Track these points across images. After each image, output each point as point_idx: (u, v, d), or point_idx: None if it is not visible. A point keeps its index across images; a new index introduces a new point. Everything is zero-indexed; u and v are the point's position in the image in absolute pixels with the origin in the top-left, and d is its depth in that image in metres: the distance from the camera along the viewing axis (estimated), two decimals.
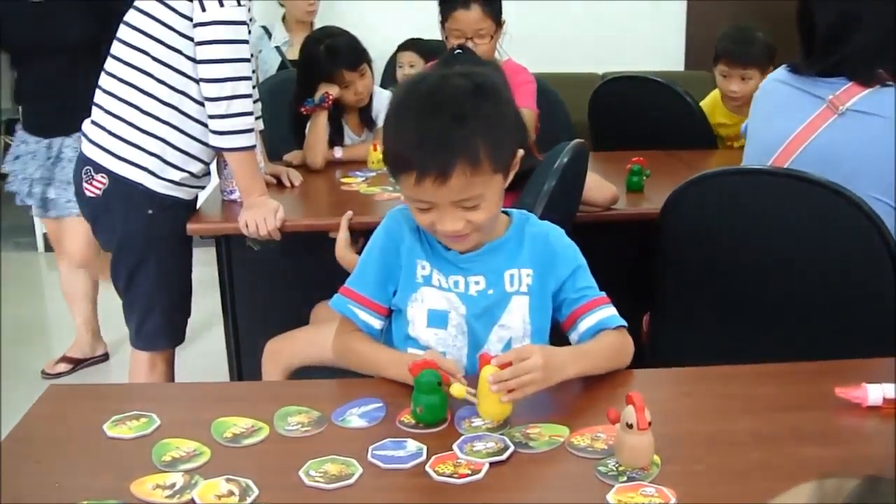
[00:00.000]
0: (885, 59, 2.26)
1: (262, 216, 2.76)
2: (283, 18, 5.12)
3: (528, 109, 3.36)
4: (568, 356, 1.67)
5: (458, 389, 1.56)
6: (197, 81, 2.74)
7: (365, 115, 3.66)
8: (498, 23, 3.45)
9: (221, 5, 2.67)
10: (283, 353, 2.62)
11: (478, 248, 1.75)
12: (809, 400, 1.68)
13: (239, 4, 2.70)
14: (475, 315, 1.74)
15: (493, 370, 1.54)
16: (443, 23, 3.44)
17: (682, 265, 2.40)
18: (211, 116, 2.73)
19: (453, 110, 1.60)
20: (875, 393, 1.62)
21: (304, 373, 2.56)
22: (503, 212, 1.80)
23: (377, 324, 1.82)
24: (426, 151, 1.59)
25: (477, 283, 1.76)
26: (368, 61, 3.59)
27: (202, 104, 2.75)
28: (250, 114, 2.75)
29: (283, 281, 3.02)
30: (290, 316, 2.80)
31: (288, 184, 3.22)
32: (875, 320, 2.11)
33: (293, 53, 4.97)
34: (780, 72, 2.47)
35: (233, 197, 3.00)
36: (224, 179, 3.04)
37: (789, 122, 2.36)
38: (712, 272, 2.34)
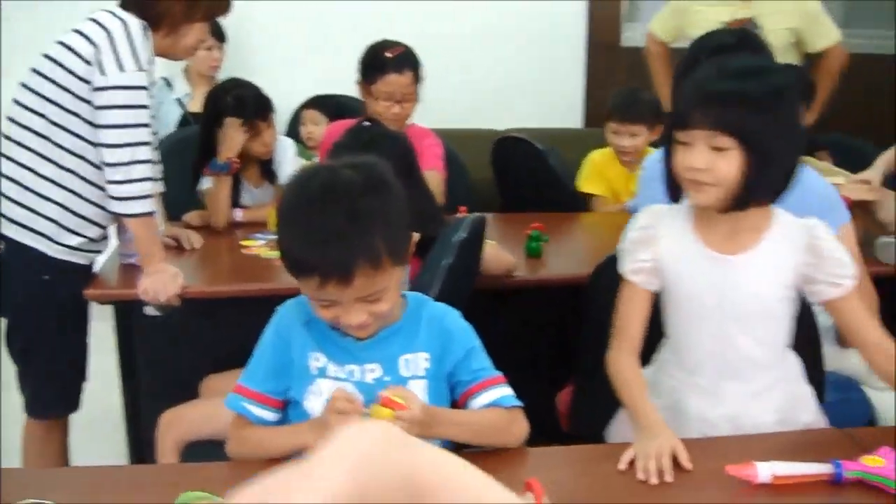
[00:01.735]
0: None
1: (162, 282, 2.74)
2: (185, 70, 5.08)
3: (434, 172, 3.41)
4: (448, 420, 1.73)
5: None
6: (95, 146, 2.71)
7: (266, 167, 3.65)
8: (419, 86, 3.50)
9: (122, 70, 2.65)
10: (177, 426, 2.59)
11: (374, 334, 1.76)
12: (702, 477, 1.73)
13: (140, 69, 2.68)
14: (373, 402, 1.76)
15: (377, 409, 1.64)
16: (367, 84, 3.47)
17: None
18: (109, 182, 2.70)
19: (348, 209, 1.60)
20: (764, 470, 1.68)
21: (199, 445, 2.53)
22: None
23: (271, 417, 1.82)
24: (326, 255, 1.59)
25: (372, 370, 1.77)
26: (274, 111, 3.59)
27: (100, 168, 2.72)
28: (150, 179, 2.74)
29: (183, 347, 2.98)
30: (190, 382, 2.78)
31: (188, 246, 3.19)
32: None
33: (194, 106, 4.94)
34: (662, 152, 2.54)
35: (132, 261, 2.96)
36: (123, 243, 3.01)
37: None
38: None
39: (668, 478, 1.71)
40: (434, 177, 3.46)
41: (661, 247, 2.03)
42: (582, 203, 3.99)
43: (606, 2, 5.66)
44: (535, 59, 5.63)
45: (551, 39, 5.63)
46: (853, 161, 3.78)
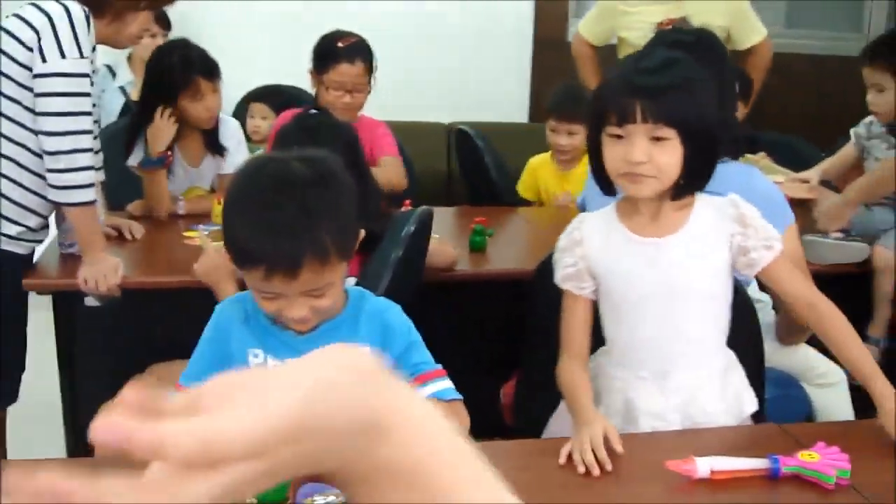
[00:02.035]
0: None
1: (102, 273, 2.71)
2: (129, 58, 5.02)
3: (392, 157, 3.44)
4: None
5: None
6: (36, 134, 2.67)
7: (210, 139, 3.55)
8: (371, 77, 3.51)
9: (63, 57, 2.61)
10: None
11: (314, 328, 1.75)
12: (642, 472, 1.75)
13: (82, 56, 2.65)
14: None
15: None
16: (319, 73, 3.48)
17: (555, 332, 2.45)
18: (50, 170, 2.66)
19: (299, 202, 1.60)
20: (703, 465, 1.70)
21: None
22: None
23: None
24: (274, 247, 1.59)
25: None
26: (220, 77, 3.50)
27: (41, 157, 2.68)
28: (91, 168, 2.70)
29: (124, 337, 2.95)
30: (134, 372, 2.74)
31: (129, 236, 3.15)
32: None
33: (137, 94, 4.88)
34: None
35: (72, 250, 2.92)
36: (63, 232, 2.97)
37: None
38: None
39: (608, 467, 1.73)
40: (393, 162, 3.52)
41: (586, 247, 2.03)
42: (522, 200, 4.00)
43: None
44: (483, 54, 5.66)
45: (499, 35, 5.67)
46: (789, 160, 3.85)
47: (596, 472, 1.72)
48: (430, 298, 2.59)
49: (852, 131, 3.60)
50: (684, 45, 2.38)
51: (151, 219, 3.39)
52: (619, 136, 1.88)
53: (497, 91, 5.72)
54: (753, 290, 2.43)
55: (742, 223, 1.95)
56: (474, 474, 0.61)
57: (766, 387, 2.34)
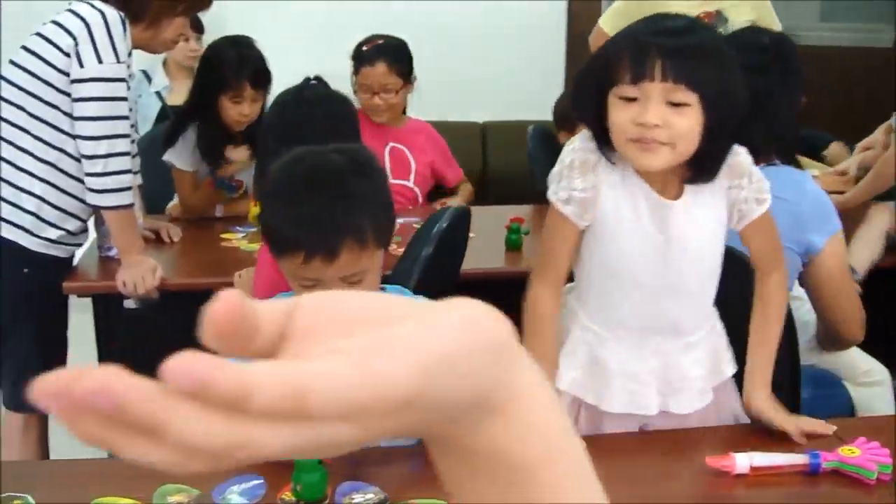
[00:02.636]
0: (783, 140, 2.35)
1: (140, 275, 2.73)
2: (164, 63, 5.06)
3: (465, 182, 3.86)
4: None
5: None
6: (74, 138, 2.70)
7: (248, 134, 3.42)
8: (406, 79, 3.56)
9: (100, 62, 2.65)
10: None
11: None
12: (681, 469, 1.74)
13: (118, 61, 2.68)
14: None
15: None
16: (355, 76, 3.59)
17: None
18: (88, 174, 2.69)
19: (336, 188, 1.64)
20: (743, 461, 1.69)
21: None
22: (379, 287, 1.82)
23: None
24: (314, 231, 1.62)
25: None
26: (268, 90, 3.42)
27: (80, 161, 2.71)
28: (128, 171, 2.73)
29: (163, 339, 2.97)
30: None
31: (167, 239, 3.18)
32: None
33: (174, 99, 4.92)
34: None
35: (111, 253, 2.95)
36: (101, 236, 3.00)
37: None
38: None
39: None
40: (468, 187, 3.91)
41: (600, 176, 1.82)
42: None
43: None
44: (516, 53, 5.64)
45: (532, 34, 5.65)
46: (818, 156, 3.81)
47: None
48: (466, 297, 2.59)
49: (892, 121, 3.58)
50: (760, 46, 2.36)
51: (189, 221, 3.41)
52: (629, 99, 1.69)
53: (530, 90, 5.70)
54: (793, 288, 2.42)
55: (738, 173, 1.82)
56: (581, 483, 0.55)
57: (805, 386, 2.33)
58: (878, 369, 2.79)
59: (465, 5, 5.48)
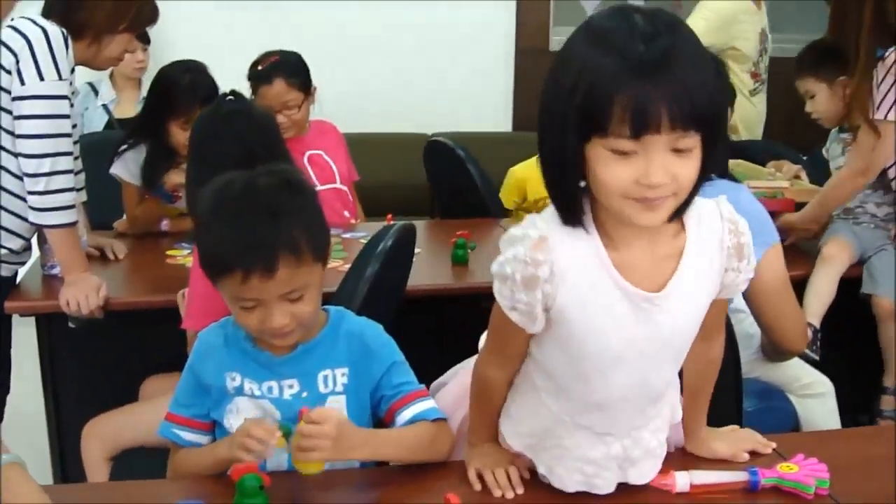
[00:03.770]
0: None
1: (84, 294, 2.70)
2: (111, 75, 5.02)
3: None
4: (363, 440, 1.70)
5: (282, 442, 1.63)
6: (16, 156, 2.67)
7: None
8: (306, 91, 3.54)
9: (42, 79, 2.62)
10: (103, 434, 2.57)
11: (292, 349, 1.77)
12: (620, 487, 1.75)
13: (60, 78, 2.65)
14: (291, 419, 1.75)
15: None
16: (254, 95, 3.55)
17: None
18: (30, 192, 2.67)
19: (269, 208, 1.66)
20: (683, 480, 1.70)
21: (132, 454, 2.52)
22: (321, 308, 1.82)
23: (203, 440, 1.83)
24: (249, 250, 1.62)
25: (291, 386, 1.77)
26: None
27: (21, 179, 2.68)
28: (71, 189, 2.71)
29: (109, 358, 2.95)
30: (116, 395, 2.74)
31: (112, 256, 3.16)
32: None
33: (121, 111, 4.89)
34: None
35: (54, 272, 2.92)
36: (45, 254, 2.97)
37: None
38: None
39: (520, 490, 1.70)
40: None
41: (556, 286, 1.52)
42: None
43: (535, 2, 5.71)
44: (465, 63, 5.66)
45: (481, 44, 5.67)
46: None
47: (510, 495, 1.69)
48: (412, 314, 2.60)
49: (824, 150, 3.67)
50: None
51: (135, 237, 3.38)
52: (623, 152, 1.39)
53: (479, 100, 5.73)
54: (737, 301, 2.44)
55: (740, 255, 1.61)
56: None
57: (749, 399, 2.35)
58: (820, 381, 2.82)
59: (412, 14, 5.48)
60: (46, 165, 2.64)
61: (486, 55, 5.70)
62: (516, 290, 1.53)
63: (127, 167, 3.41)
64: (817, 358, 3.05)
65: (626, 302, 1.53)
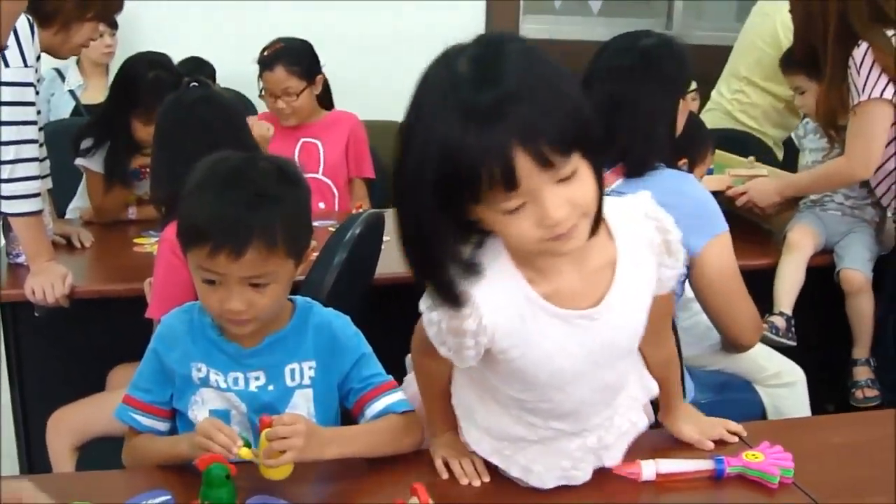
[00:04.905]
0: (655, 147, 2.30)
1: (50, 282, 2.68)
2: (78, 61, 4.97)
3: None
4: (333, 437, 1.69)
5: (245, 452, 1.58)
6: None
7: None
8: (308, 79, 3.56)
9: (6, 65, 2.59)
10: (69, 423, 2.55)
11: (260, 341, 1.75)
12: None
13: (25, 65, 2.63)
14: (256, 411, 1.74)
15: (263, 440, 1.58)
16: (259, 80, 3.64)
17: None
18: None
19: (256, 189, 1.64)
20: (649, 468, 1.71)
21: (99, 443, 2.50)
22: (288, 298, 1.80)
23: (161, 426, 1.81)
24: (225, 225, 1.60)
25: (257, 378, 1.75)
26: None
27: None
28: (36, 177, 2.68)
29: (75, 347, 2.93)
30: (83, 384, 2.72)
31: (78, 245, 3.13)
32: None
33: (88, 97, 4.84)
34: None
35: (19, 260, 2.89)
36: (9, 242, 2.94)
37: None
38: None
39: (486, 478, 1.71)
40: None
41: (488, 335, 1.49)
42: None
43: None
44: (435, 52, 5.63)
45: (451, 33, 5.63)
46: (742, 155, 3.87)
47: (477, 483, 1.70)
48: (383, 302, 2.59)
49: (792, 134, 3.68)
50: (627, 50, 2.32)
51: (102, 225, 3.36)
52: (514, 211, 1.34)
53: None
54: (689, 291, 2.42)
55: (668, 251, 1.59)
56: None
57: (704, 391, 2.36)
58: (790, 370, 2.82)
59: (383, 5, 5.47)
60: (11, 153, 2.62)
61: (455, 42, 5.69)
62: (442, 334, 1.51)
63: (91, 157, 3.41)
64: (794, 344, 3.08)
65: (564, 325, 1.51)
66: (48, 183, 3.07)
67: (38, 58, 2.74)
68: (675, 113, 2.33)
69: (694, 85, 2.75)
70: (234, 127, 2.47)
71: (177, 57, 3.68)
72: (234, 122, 2.49)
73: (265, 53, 3.64)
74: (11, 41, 2.60)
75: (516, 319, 1.49)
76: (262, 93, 3.66)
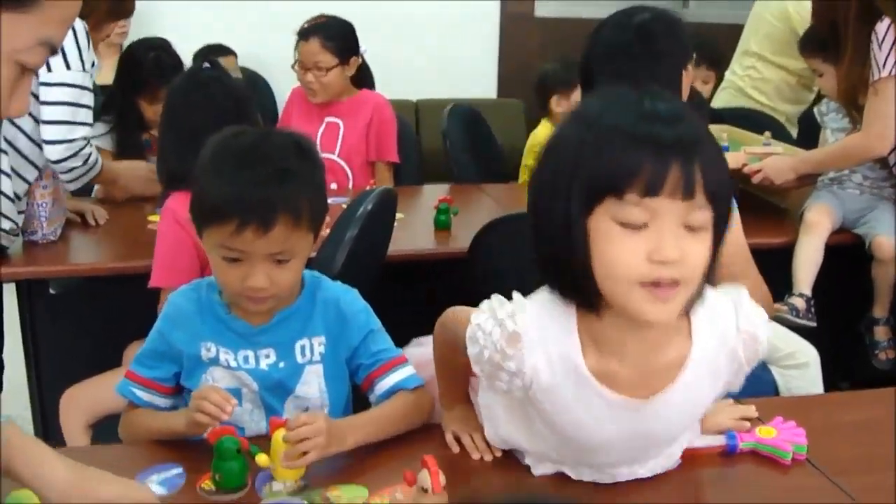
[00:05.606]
0: None
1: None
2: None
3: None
4: (350, 426, 1.68)
5: (262, 458, 1.56)
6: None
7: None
8: (342, 58, 3.55)
9: (68, 68, 2.72)
10: (82, 401, 2.56)
11: (269, 318, 1.74)
12: None
13: (83, 70, 2.75)
14: (268, 389, 1.74)
15: (284, 433, 1.56)
16: (296, 51, 3.66)
17: None
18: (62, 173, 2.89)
19: (278, 164, 1.63)
20: None
21: (112, 420, 2.51)
22: None
23: (161, 402, 1.80)
24: (251, 201, 1.59)
25: (267, 356, 1.75)
26: None
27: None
28: (87, 171, 2.92)
29: (91, 324, 2.94)
30: (99, 361, 2.73)
31: (92, 222, 3.13)
32: None
33: (102, 77, 4.83)
34: None
35: (35, 238, 2.90)
36: (27, 220, 2.94)
37: None
38: None
39: (498, 453, 1.70)
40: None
41: (526, 380, 1.45)
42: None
43: None
44: (450, 30, 5.64)
45: (466, 11, 5.64)
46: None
47: (489, 457, 1.70)
48: (395, 279, 2.59)
49: (815, 110, 3.65)
50: (624, 26, 2.30)
51: (116, 203, 3.37)
52: (634, 227, 1.27)
53: (465, 67, 5.70)
54: None
55: (750, 363, 1.50)
56: None
57: None
58: (803, 350, 2.80)
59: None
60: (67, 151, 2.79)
61: (472, 22, 5.68)
62: (482, 361, 1.47)
63: (101, 135, 3.52)
64: (814, 325, 3.09)
65: (607, 406, 1.44)
66: None
67: (94, 64, 2.83)
68: (679, 86, 2.32)
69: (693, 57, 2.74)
70: (242, 110, 2.47)
71: (198, 39, 3.74)
72: (242, 104, 2.50)
73: (306, 25, 3.67)
74: (71, 43, 2.68)
75: (558, 381, 1.43)
76: (296, 64, 3.65)
